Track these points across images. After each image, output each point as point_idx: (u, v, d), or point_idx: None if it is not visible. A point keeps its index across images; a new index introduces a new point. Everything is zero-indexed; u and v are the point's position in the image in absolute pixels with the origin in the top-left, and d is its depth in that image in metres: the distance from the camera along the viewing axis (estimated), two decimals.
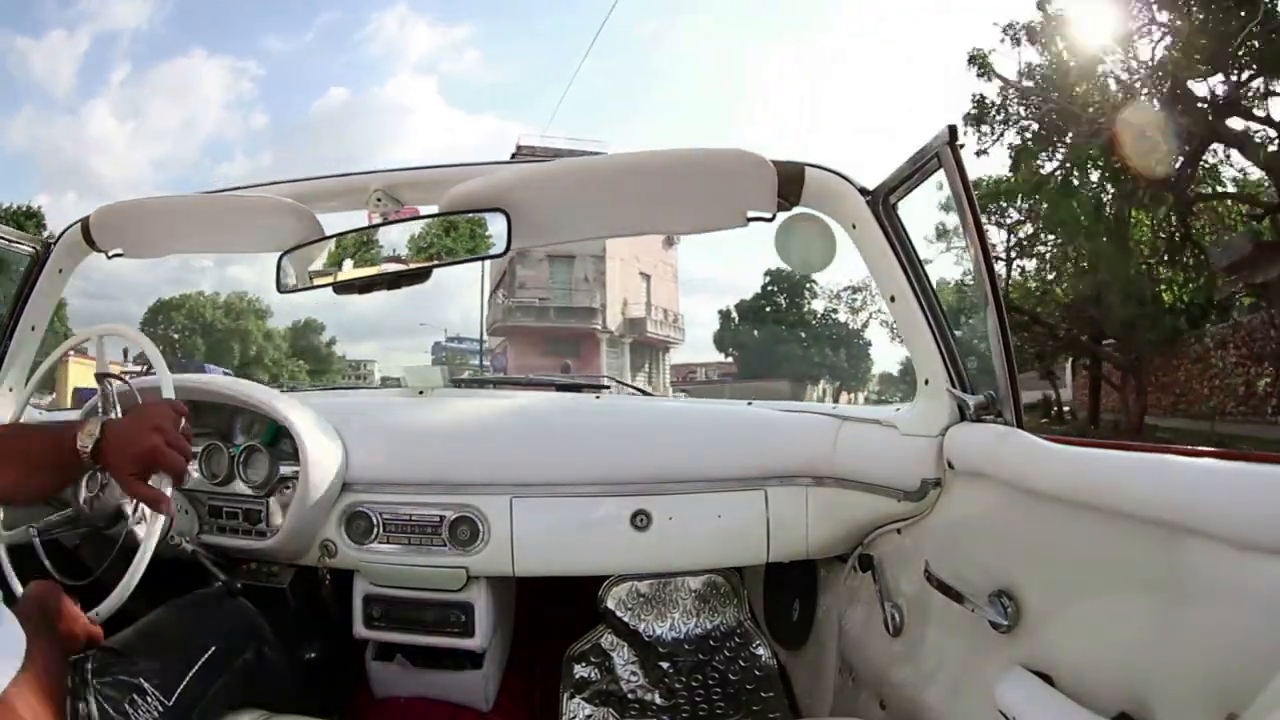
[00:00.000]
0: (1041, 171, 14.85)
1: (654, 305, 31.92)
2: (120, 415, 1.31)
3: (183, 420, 1.03)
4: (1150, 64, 12.93)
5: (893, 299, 1.33)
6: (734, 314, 33.47)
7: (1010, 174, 15.45)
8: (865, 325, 30.42)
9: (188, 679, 1.12)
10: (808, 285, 31.49)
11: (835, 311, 31.47)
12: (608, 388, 2.34)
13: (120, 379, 1.40)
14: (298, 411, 1.59)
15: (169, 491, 1.07)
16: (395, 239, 1.36)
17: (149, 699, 1.05)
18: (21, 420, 1.54)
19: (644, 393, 2.09)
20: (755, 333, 32.08)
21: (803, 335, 31.13)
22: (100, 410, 1.36)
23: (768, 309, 32.31)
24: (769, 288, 32.62)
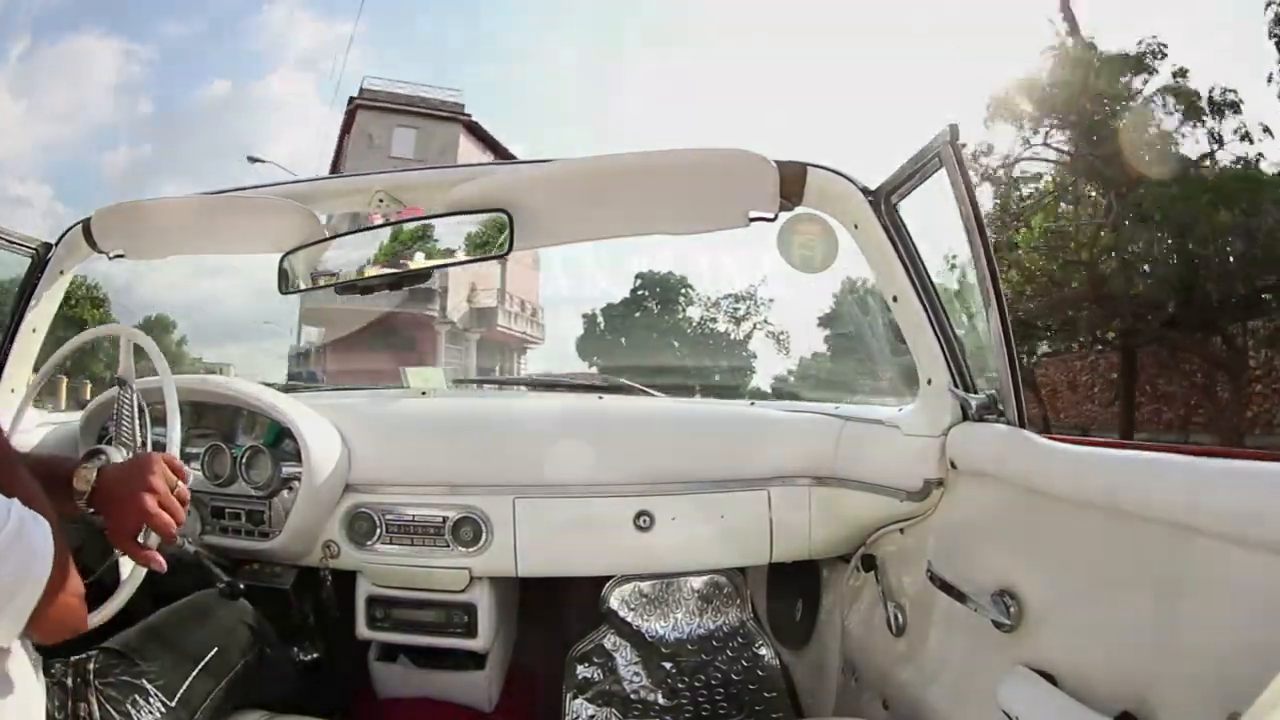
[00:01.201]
0: None
1: (510, 294, 26.02)
2: (128, 439, 1.31)
3: (179, 481, 1.01)
4: None
5: (895, 299, 1.33)
6: (600, 319, 29.53)
7: None
8: (749, 336, 27.78)
9: (190, 679, 1.12)
10: (683, 291, 28.59)
11: (714, 320, 28.60)
12: (610, 388, 2.34)
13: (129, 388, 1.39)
14: (300, 412, 1.59)
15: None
16: (397, 240, 1.36)
17: (151, 699, 1.06)
18: (24, 423, 1.54)
19: (647, 393, 2.09)
20: (623, 340, 28.45)
21: (675, 344, 27.85)
22: (114, 425, 1.35)
23: (638, 314, 28.83)
24: (639, 291, 29.07)
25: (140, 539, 0.97)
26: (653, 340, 27.35)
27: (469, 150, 23.21)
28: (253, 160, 18.27)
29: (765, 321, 27.41)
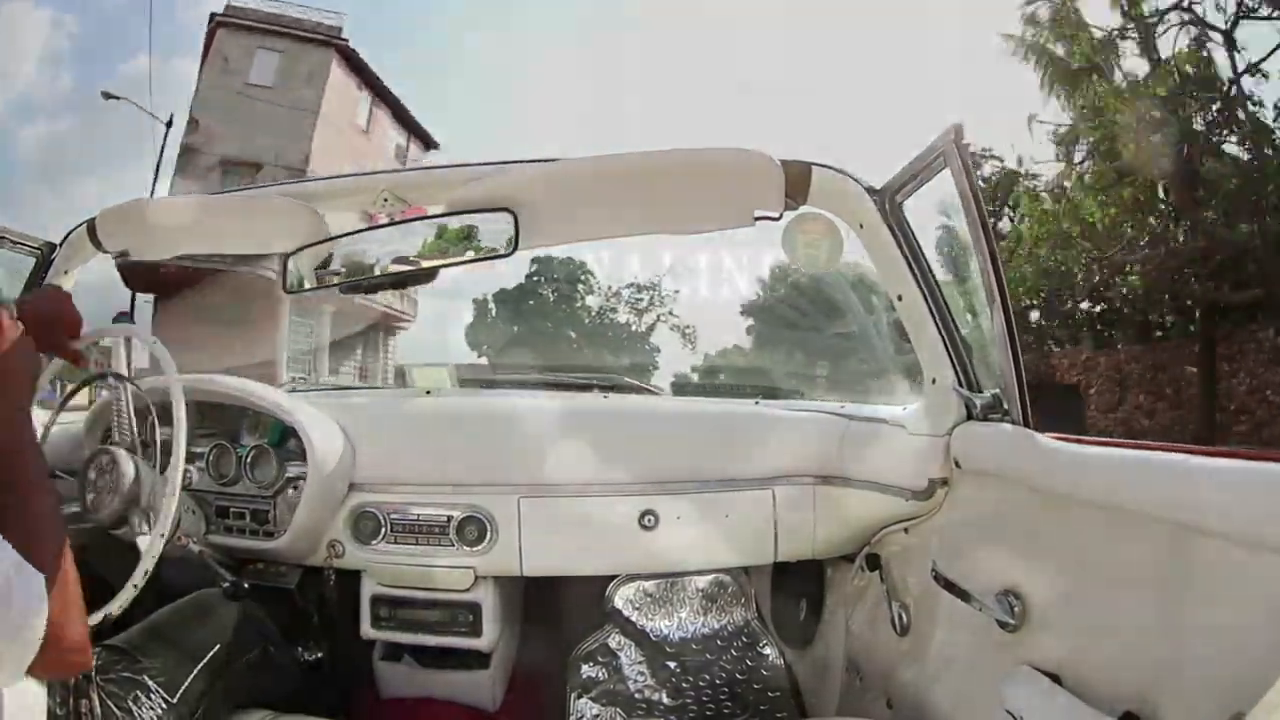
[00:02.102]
0: None
1: None
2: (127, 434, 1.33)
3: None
4: None
5: (900, 298, 1.33)
6: (492, 305, 27.31)
7: None
8: (652, 328, 25.98)
9: (191, 677, 1.13)
10: (581, 278, 26.59)
11: (614, 310, 26.83)
12: (614, 387, 2.34)
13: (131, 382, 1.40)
14: (305, 412, 1.59)
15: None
16: (401, 239, 1.36)
17: (152, 696, 1.06)
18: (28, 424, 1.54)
19: (651, 392, 2.09)
20: (515, 329, 26.40)
21: (572, 335, 26.22)
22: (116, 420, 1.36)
23: (532, 302, 26.84)
24: (534, 277, 26.84)
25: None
26: (549, 330, 25.76)
27: (340, 80, 19.47)
28: (107, 97, 15.50)
29: (671, 314, 25.66)
